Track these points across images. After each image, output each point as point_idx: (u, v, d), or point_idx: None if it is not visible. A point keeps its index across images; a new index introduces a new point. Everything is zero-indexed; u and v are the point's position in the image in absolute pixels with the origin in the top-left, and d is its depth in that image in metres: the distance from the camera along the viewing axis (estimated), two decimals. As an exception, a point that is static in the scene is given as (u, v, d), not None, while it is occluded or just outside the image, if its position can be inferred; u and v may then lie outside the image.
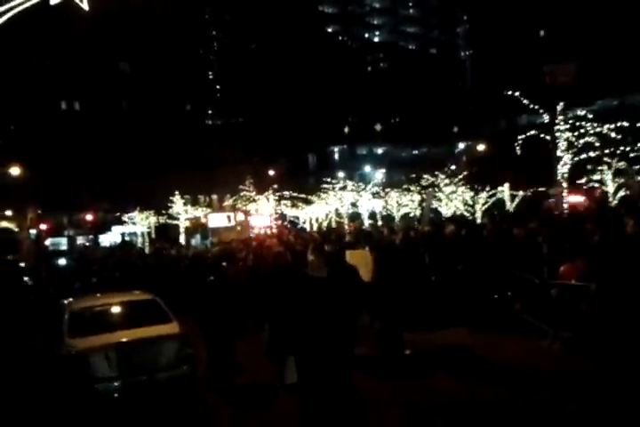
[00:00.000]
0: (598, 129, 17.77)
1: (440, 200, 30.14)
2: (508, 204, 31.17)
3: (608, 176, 23.89)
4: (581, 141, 17.62)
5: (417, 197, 32.65)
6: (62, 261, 19.18)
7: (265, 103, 67.07)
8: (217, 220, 36.24)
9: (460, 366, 8.24)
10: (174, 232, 38.22)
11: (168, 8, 56.43)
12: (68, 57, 55.97)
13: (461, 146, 63.36)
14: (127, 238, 48.61)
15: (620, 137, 18.49)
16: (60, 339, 7.92)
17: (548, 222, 13.75)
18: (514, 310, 9.66)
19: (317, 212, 39.22)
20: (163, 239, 34.83)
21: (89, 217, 49.40)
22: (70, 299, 9.60)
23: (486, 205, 30.08)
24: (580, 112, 19.60)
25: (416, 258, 10.90)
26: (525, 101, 18.56)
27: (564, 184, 17.76)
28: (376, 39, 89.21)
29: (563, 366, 7.60)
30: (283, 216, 39.84)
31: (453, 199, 30.22)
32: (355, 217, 35.32)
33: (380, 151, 72.76)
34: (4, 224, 34.15)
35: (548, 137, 17.95)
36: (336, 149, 72.85)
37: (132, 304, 8.86)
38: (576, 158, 17.85)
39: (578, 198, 19.90)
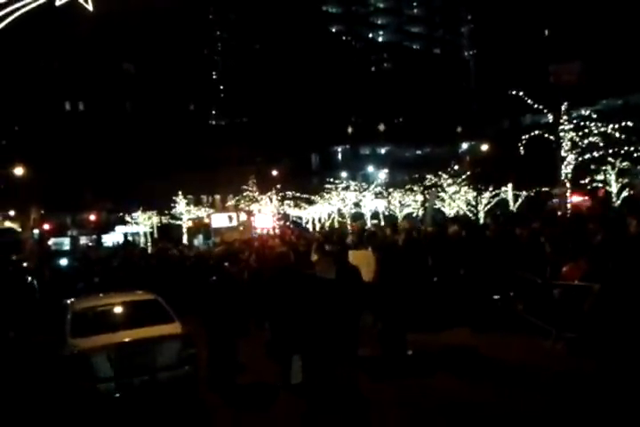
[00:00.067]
0: (602, 129, 17.70)
1: (443, 200, 30.09)
2: (511, 204, 31.10)
3: (612, 176, 23.83)
4: (585, 141, 17.55)
5: (420, 198, 32.59)
6: (65, 261, 19.19)
7: (268, 103, 67.09)
8: (220, 220, 36.30)
9: (462, 367, 8.23)
10: (177, 232, 38.27)
11: (172, 8, 56.54)
12: (73, 57, 56.10)
13: (465, 146, 63.30)
14: (130, 238, 48.69)
15: (624, 137, 18.41)
16: (62, 339, 7.92)
17: (551, 223, 13.71)
18: (516, 310, 9.64)
19: (320, 212, 39.22)
20: (165, 239, 34.86)
21: (92, 217, 49.57)
22: (73, 299, 9.60)
23: (489, 206, 30.02)
24: (585, 112, 19.55)
25: (419, 258, 10.88)
26: (529, 101, 18.49)
27: (568, 184, 17.69)
28: (380, 39, 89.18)
29: (565, 367, 7.57)
30: (286, 216, 39.85)
31: (456, 199, 30.17)
32: (357, 217, 35.30)
33: (383, 151, 72.73)
34: (8, 224, 34.25)
35: (551, 137, 17.89)
36: (339, 149, 72.82)
37: (134, 304, 8.86)
38: (580, 158, 17.78)
39: (581, 199, 19.84)
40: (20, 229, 32.58)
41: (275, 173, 48.73)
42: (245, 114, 70.61)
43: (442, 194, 29.81)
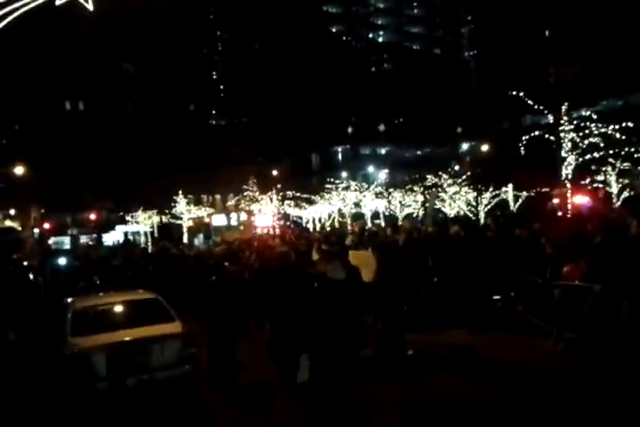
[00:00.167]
0: (603, 130, 17.71)
1: (443, 201, 30.12)
2: (511, 204, 31.13)
3: (612, 177, 23.85)
4: (586, 142, 17.56)
5: (420, 198, 32.63)
6: (66, 261, 19.17)
7: (269, 103, 67.07)
8: (220, 220, 36.34)
9: (463, 367, 8.23)
10: (177, 232, 38.29)
11: (172, 8, 56.53)
12: (73, 57, 56.08)
13: (465, 146, 63.30)
14: (130, 238, 48.69)
15: (624, 138, 18.41)
16: (62, 338, 7.92)
17: (552, 223, 13.73)
18: (517, 310, 9.65)
19: (320, 212, 39.24)
20: (166, 239, 34.88)
21: (92, 216, 49.54)
22: (73, 298, 9.60)
23: (490, 206, 30.05)
24: (585, 113, 19.55)
25: (419, 259, 10.88)
26: (530, 102, 18.50)
27: (568, 185, 17.70)
28: (380, 39, 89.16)
29: (566, 367, 7.58)
30: (286, 216, 39.86)
31: (457, 200, 30.20)
32: (358, 217, 35.31)
33: (383, 151, 72.70)
34: (8, 223, 34.26)
35: (552, 137, 17.89)
36: (339, 149, 72.78)
37: (134, 303, 8.85)
38: (580, 159, 17.78)
39: (582, 199, 19.82)
40: (20, 228, 32.58)
41: (275, 172, 48.71)
42: (245, 114, 70.59)
43: (442, 194, 29.84)
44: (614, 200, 23.72)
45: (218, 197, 56.39)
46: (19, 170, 33.72)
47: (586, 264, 8.31)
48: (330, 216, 37.93)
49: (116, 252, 26.00)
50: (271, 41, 72.21)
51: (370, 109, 69.80)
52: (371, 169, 61.72)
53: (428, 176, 31.67)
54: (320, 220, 39.33)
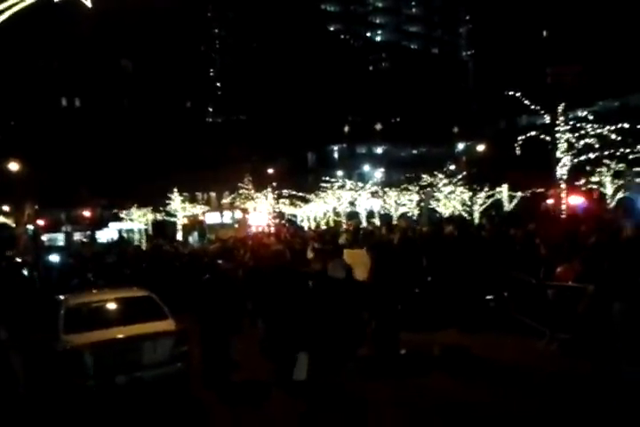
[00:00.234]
0: (598, 130, 17.74)
1: (438, 200, 30.14)
2: (506, 204, 31.17)
3: (607, 178, 23.90)
4: (581, 143, 17.58)
5: (415, 197, 32.66)
6: (59, 258, 19.09)
7: (265, 101, 67.01)
8: (215, 217, 36.29)
9: (456, 367, 8.23)
10: (172, 229, 38.20)
11: (170, 5, 56.37)
12: (70, 53, 55.92)
13: (461, 146, 63.33)
14: (124, 235, 48.58)
15: (619, 139, 18.44)
16: (55, 335, 7.89)
17: (546, 224, 13.74)
18: (510, 310, 9.66)
19: (316, 210, 39.23)
20: (160, 236, 34.79)
21: (86, 213, 49.34)
22: (66, 295, 9.57)
23: (484, 206, 30.09)
24: (581, 113, 19.58)
25: (413, 258, 10.89)
26: (526, 102, 18.52)
27: (563, 185, 17.73)
28: (378, 38, 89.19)
29: (559, 368, 7.59)
30: (281, 214, 39.84)
31: (452, 199, 30.23)
32: (353, 216, 35.33)
33: (379, 151, 72.73)
34: (2, 220, 34.09)
35: (548, 138, 17.91)
36: (335, 148, 72.80)
37: (127, 301, 8.83)
38: (575, 160, 17.81)
39: (577, 200, 19.85)
40: (14, 225, 32.44)
41: (271, 171, 48.64)
42: (242, 112, 70.52)
43: (437, 194, 29.85)
44: (609, 201, 23.78)
45: (213, 194, 56.32)
46: (13, 166, 33.56)
47: (580, 265, 8.32)
48: (325, 215, 37.93)
49: (110, 249, 25.92)
50: (269, 39, 72.14)
51: (367, 108, 69.80)
52: (366, 168, 61.76)
53: (424, 176, 31.67)
54: (315, 218, 39.32)
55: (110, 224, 50.78)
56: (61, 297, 9.17)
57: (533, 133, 18.47)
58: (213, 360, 8.35)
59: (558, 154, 17.59)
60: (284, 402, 7.40)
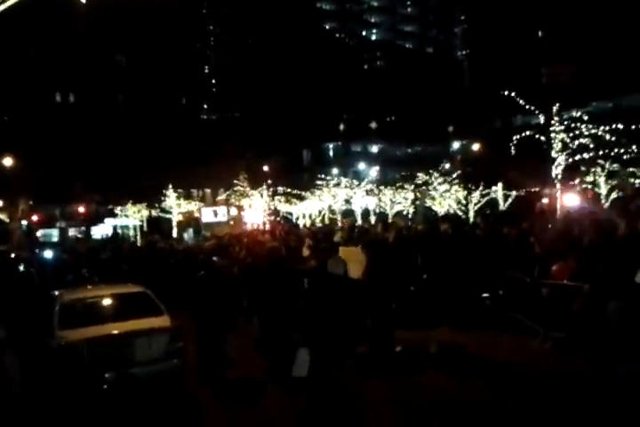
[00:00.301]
0: (593, 131, 17.78)
1: (434, 199, 30.20)
2: (501, 203, 31.26)
3: (601, 178, 23.99)
4: (576, 143, 17.63)
5: (410, 195, 32.71)
6: (54, 253, 19.06)
7: (260, 99, 66.89)
8: (210, 214, 36.24)
9: (451, 365, 8.26)
10: (167, 226, 38.14)
11: (166, 1, 56.17)
12: (64, 49, 55.64)
13: (456, 145, 63.45)
14: (119, 231, 48.47)
15: (614, 139, 18.50)
16: (50, 330, 7.88)
17: (541, 222, 13.80)
18: (505, 308, 9.70)
19: (311, 208, 39.24)
20: (155, 233, 34.73)
21: (81, 209, 49.20)
22: (61, 290, 9.55)
23: (479, 205, 30.16)
24: (576, 113, 19.61)
25: (408, 256, 10.91)
26: (521, 102, 18.54)
27: (558, 185, 17.78)
28: (373, 37, 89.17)
29: (553, 366, 7.64)
30: (276, 212, 39.83)
31: (447, 198, 30.29)
32: (348, 214, 35.35)
33: (374, 149, 72.79)
34: (-4, 215, 33.97)
35: (542, 138, 17.95)
36: (331, 146, 72.80)
37: (123, 297, 8.83)
38: (570, 160, 17.86)
39: (573, 200, 19.91)
40: (7, 220, 32.34)
41: (266, 168, 48.63)
42: (237, 109, 70.38)
43: (432, 192, 29.90)
44: (603, 201, 23.87)
45: (208, 191, 56.24)
46: (7, 161, 33.49)
47: (575, 263, 8.36)
48: (320, 213, 37.94)
49: (105, 245, 25.88)
50: (264, 36, 72.00)
51: (362, 107, 69.82)
52: (362, 166, 61.81)
53: (419, 174, 31.71)
54: (310, 216, 39.33)
55: (105, 220, 50.67)
56: (56, 293, 9.16)
57: (528, 133, 18.50)
58: (208, 357, 8.36)
59: (553, 154, 17.61)
60: (280, 399, 7.41)
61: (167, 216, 37.82)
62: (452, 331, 9.88)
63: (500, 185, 31.02)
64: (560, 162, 17.57)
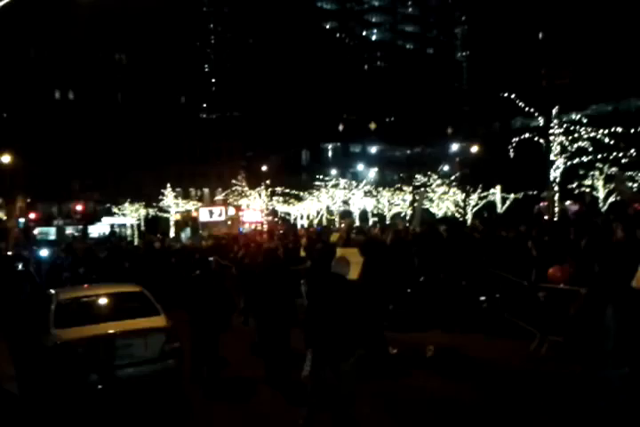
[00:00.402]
0: (592, 134, 17.80)
1: (432, 201, 30.21)
2: (499, 206, 31.28)
3: (599, 182, 24.01)
4: (575, 146, 17.64)
5: (409, 197, 32.72)
6: (51, 252, 18.99)
7: (260, 98, 66.90)
8: (207, 214, 36.21)
9: (447, 367, 8.25)
10: (165, 225, 38.13)
11: (167, 0, 56.21)
12: (65, 46, 55.57)
13: (455, 147, 63.47)
14: (116, 230, 48.42)
15: (612, 142, 18.51)
16: (45, 329, 7.85)
17: (538, 226, 13.77)
18: (502, 312, 9.69)
19: (309, 208, 39.26)
20: (152, 232, 34.69)
21: (79, 207, 49.17)
22: (57, 289, 9.53)
23: (477, 207, 30.18)
24: (575, 116, 19.63)
25: (405, 258, 10.90)
26: (521, 104, 18.56)
27: (556, 188, 17.79)
28: (374, 37, 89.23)
29: (549, 369, 7.64)
30: (274, 212, 39.83)
31: (445, 200, 30.31)
32: (346, 215, 35.36)
33: (373, 150, 72.79)
34: (-7, 212, 33.93)
35: (541, 140, 17.96)
36: (330, 147, 72.81)
37: (119, 296, 8.80)
38: (569, 163, 17.86)
39: (569, 203, 19.96)
40: (4, 218, 32.29)
41: (264, 168, 48.65)
42: (236, 108, 70.37)
43: (431, 194, 29.91)
44: (600, 205, 23.89)
45: (206, 191, 56.23)
46: (5, 158, 33.42)
47: (572, 267, 8.36)
48: (318, 213, 37.94)
49: (102, 244, 25.80)
50: (264, 36, 72.00)
51: (361, 107, 69.86)
52: (360, 167, 61.78)
53: (418, 176, 31.73)
54: (308, 217, 39.33)
55: (103, 219, 50.64)
56: (52, 292, 9.13)
57: (527, 135, 18.51)
58: (202, 357, 8.34)
59: (552, 157, 17.63)
60: (274, 399, 7.42)
61: (165, 215, 37.80)
62: (449, 333, 9.88)
63: (498, 188, 31.05)
64: (559, 165, 17.59)
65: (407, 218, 31.15)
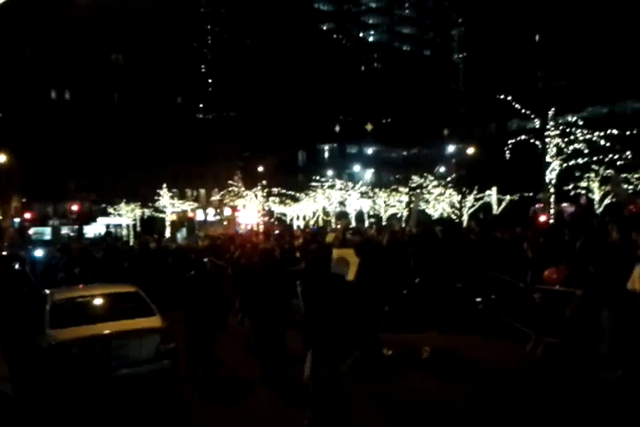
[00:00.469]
0: (588, 136, 17.83)
1: (428, 202, 30.22)
2: (494, 208, 31.31)
3: (595, 184, 24.05)
4: (571, 148, 17.66)
5: (405, 198, 32.74)
6: (46, 252, 18.94)
7: (257, 99, 66.89)
8: (202, 214, 36.15)
9: (442, 368, 8.26)
10: (160, 225, 38.08)
11: (164, 0, 56.16)
12: (61, 46, 55.44)
13: (451, 148, 63.60)
14: (112, 230, 48.33)
15: (608, 144, 18.54)
16: (40, 329, 7.83)
17: (533, 227, 13.82)
18: (497, 313, 9.70)
19: (305, 209, 39.24)
20: (147, 233, 34.64)
21: (74, 207, 49.04)
22: (53, 289, 9.51)
23: (473, 209, 30.22)
24: (571, 118, 19.66)
25: (401, 259, 10.91)
26: (517, 106, 18.59)
27: (552, 190, 17.81)
28: (370, 39, 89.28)
29: (544, 371, 7.65)
30: (270, 213, 39.81)
31: (441, 201, 30.34)
32: (342, 216, 35.37)
33: (369, 151, 72.87)
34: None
35: (537, 142, 17.99)
36: (326, 147, 72.83)
37: (115, 296, 8.79)
38: (564, 165, 17.89)
39: (566, 205, 20.01)
40: (0, 218, 32.21)
41: (261, 168, 48.64)
42: (233, 109, 70.32)
43: (427, 196, 29.93)
44: (596, 207, 23.94)
45: (202, 191, 56.17)
46: (1, 158, 33.33)
47: (567, 268, 8.37)
48: (314, 214, 37.92)
49: (98, 244, 25.77)
50: (261, 36, 72.01)
51: (358, 108, 69.91)
52: (357, 168, 61.85)
53: (414, 177, 31.75)
54: (304, 217, 39.32)
55: (98, 219, 50.52)
56: (47, 292, 9.11)
57: (523, 137, 18.53)
58: (197, 358, 8.33)
59: (547, 158, 17.65)
60: (269, 400, 7.41)
61: (161, 216, 37.74)
62: (444, 335, 9.89)
63: (494, 189, 31.09)
64: (554, 167, 17.60)
65: (403, 219, 31.16)
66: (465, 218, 28.75)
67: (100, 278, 12.37)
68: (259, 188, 35.18)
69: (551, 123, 17.77)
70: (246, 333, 9.38)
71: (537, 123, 18.17)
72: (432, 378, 7.92)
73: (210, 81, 77.24)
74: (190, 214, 40.90)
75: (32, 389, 7.43)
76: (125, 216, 41.68)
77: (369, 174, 55.87)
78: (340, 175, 50.66)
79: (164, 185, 36.86)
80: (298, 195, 38.00)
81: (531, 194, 28.37)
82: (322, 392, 5.57)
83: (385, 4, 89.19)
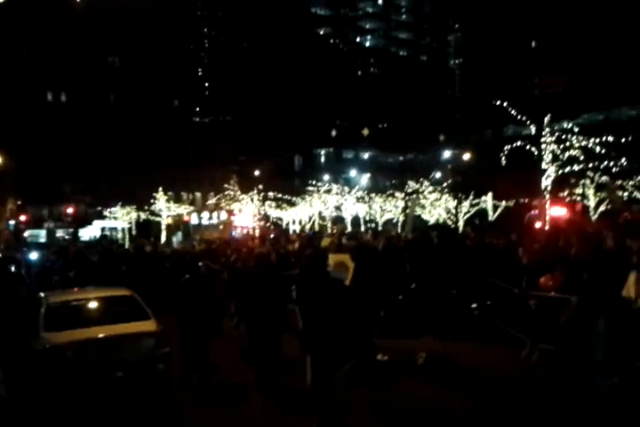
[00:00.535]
0: (583, 143, 17.88)
1: (424, 208, 30.26)
2: (490, 214, 31.36)
3: (590, 190, 24.13)
4: (566, 154, 17.71)
5: (401, 204, 32.77)
6: (41, 254, 18.90)
7: (253, 103, 66.95)
8: (197, 218, 36.11)
9: (438, 374, 8.25)
10: (156, 229, 38.00)
11: (160, 3, 56.22)
12: (58, 47, 55.43)
13: (447, 154, 63.77)
14: (107, 233, 48.20)
15: (604, 151, 18.60)
16: (35, 332, 7.81)
17: (529, 233, 13.86)
18: (493, 319, 9.71)
19: (301, 214, 39.25)
20: (143, 237, 34.57)
21: (70, 210, 48.91)
22: (47, 292, 9.47)
23: (469, 215, 30.25)
24: (567, 125, 19.72)
25: (397, 264, 10.92)
26: (513, 112, 18.63)
27: (547, 196, 17.85)
28: (367, 43, 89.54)
29: (539, 377, 7.66)
30: (266, 217, 39.80)
31: (437, 207, 30.37)
32: (338, 221, 35.39)
33: (366, 156, 72.99)
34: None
35: (533, 149, 18.03)
36: (322, 152, 72.92)
37: (109, 300, 8.77)
38: (560, 171, 17.93)
39: (560, 211, 20.01)
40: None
41: (257, 172, 48.64)
42: (230, 112, 70.36)
43: (423, 201, 29.97)
44: (591, 213, 24.01)
45: (198, 194, 56.13)
46: (-4, 160, 33.29)
47: (562, 275, 8.39)
48: (310, 219, 37.93)
49: (93, 247, 25.70)
50: (258, 40, 72.13)
51: (354, 113, 70.04)
52: (353, 173, 61.94)
53: (410, 182, 31.79)
54: (300, 222, 39.32)
55: (94, 222, 50.39)
56: (42, 295, 9.08)
57: (519, 144, 18.57)
58: (191, 362, 8.31)
59: (543, 165, 17.69)
60: (264, 405, 7.40)
61: (156, 219, 37.66)
62: (440, 341, 9.88)
63: (489, 195, 31.14)
64: (550, 173, 17.64)
65: (399, 224, 31.19)
66: (461, 224, 28.76)
67: (96, 282, 12.32)
68: (255, 192, 35.18)
69: (547, 129, 17.81)
70: (241, 337, 9.36)
71: (533, 129, 18.20)
72: (427, 384, 7.92)
73: (206, 84, 77.28)
74: (185, 218, 40.81)
75: (26, 391, 7.40)
76: (121, 219, 41.58)
77: (365, 179, 55.95)
78: (337, 180, 50.74)
79: (160, 188, 36.79)
80: (294, 199, 38.01)
81: (526, 200, 28.42)
82: (325, 397, 5.55)
83: (382, 9, 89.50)
